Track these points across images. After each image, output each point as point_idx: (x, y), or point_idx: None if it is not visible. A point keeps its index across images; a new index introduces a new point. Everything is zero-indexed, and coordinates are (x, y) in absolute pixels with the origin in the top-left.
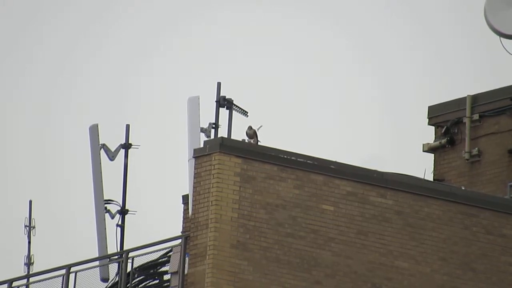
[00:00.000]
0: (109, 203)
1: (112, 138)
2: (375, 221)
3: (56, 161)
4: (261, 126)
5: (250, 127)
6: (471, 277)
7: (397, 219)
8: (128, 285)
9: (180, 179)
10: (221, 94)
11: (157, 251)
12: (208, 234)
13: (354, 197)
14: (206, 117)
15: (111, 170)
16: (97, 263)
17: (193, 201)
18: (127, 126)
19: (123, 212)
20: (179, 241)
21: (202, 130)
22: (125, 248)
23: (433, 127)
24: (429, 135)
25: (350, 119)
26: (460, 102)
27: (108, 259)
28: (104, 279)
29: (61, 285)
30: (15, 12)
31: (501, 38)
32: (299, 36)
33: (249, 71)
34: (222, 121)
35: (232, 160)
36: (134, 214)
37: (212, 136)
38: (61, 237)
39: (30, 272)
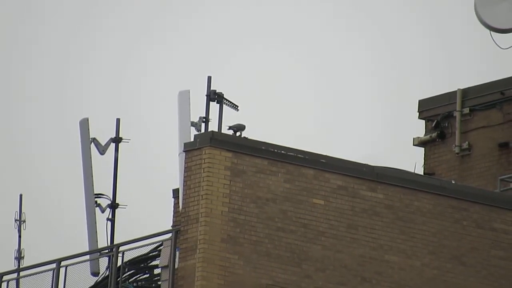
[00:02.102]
0: (100, 197)
1: (102, 132)
2: (366, 215)
3: (47, 155)
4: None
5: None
6: (461, 271)
7: (387, 213)
8: (118, 279)
9: (171, 173)
10: (212, 88)
11: (147, 245)
12: (199, 228)
13: (345, 191)
14: (197, 111)
15: (102, 164)
16: (87, 257)
17: (183, 195)
18: (118, 120)
19: (113, 206)
20: (170, 235)
21: (193, 124)
22: (115, 242)
23: (423, 121)
24: (419, 129)
25: (341, 113)
26: (450, 96)
27: (99, 253)
28: (95, 273)
29: (51, 279)
30: (7, 9)
31: (491, 32)
32: (291, 31)
33: (240, 65)
34: (213, 115)
35: (222, 154)
36: (125, 208)
37: (203, 130)
38: (52, 231)
39: (21, 266)
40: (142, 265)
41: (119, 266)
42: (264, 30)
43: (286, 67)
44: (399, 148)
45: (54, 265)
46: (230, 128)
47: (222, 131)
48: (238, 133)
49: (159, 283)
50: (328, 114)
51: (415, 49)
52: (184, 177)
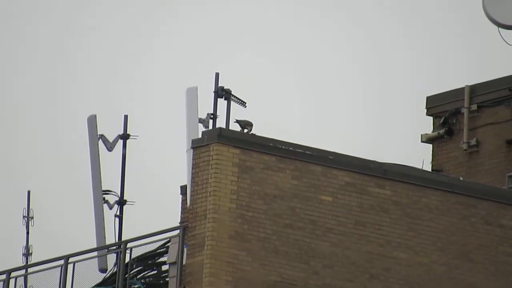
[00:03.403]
0: (108, 194)
1: (110, 129)
2: (373, 211)
3: (55, 152)
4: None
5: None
6: (469, 267)
7: (395, 209)
8: (126, 276)
9: (179, 169)
10: (219, 85)
11: (155, 241)
12: (207, 224)
13: (353, 187)
14: (204, 108)
15: (109, 160)
16: (95, 253)
17: (191, 191)
18: (125, 117)
19: (121, 202)
20: (178, 231)
21: (200, 120)
22: (123, 238)
23: (431, 118)
24: (427, 125)
25: (349, 110)
26: (458, 92)
27: (107, 250)
28: (103, 270)
29: (59, 276)
30: (15, 6)
31: (500, 29)
32: (297, 28)
33: (248, 62)
34: (220, 111)
35: (230, 151)
36: (132, 204)
37: (210, 127)
38: (60, 228)
39: (29, 263)
40: (150, 261)
41: (127, 263)
42: (271, 27)
43: (293, 63)
44: (407, 144)
45: (62, 262)
46: (237, 121)
47: (230, 128)
48: (245, 130)
49: (167, 279)
50: (335, 110)
51: (423, 45)
52: (192, 173)
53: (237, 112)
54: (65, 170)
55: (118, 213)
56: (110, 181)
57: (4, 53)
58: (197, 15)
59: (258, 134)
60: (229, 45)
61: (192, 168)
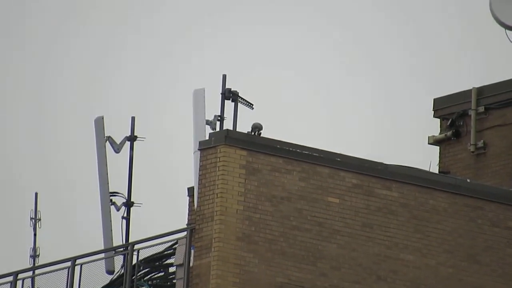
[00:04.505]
0: (115, 196)
1: (117, 131)
2: (381, 213)
3: (62, 154)
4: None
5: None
6: (476, 269)
7: (402, 211)
8: (133, 278)
9: (186, 171)
10: (227, 87)
11: (162, 243)
12: (214, 226)
13: (360, 189)
14: (212, 110)
15: (117, 162)
16: (102, 255)
17: (198, 193)
18: (133, 119)
19: (128, 204)
20: (185, 233)
21: (208, 122)
22: (130, 240)
23: (438, 120)
24: (434, 127)
25: (356, 112)
26: (465, 94)
27: (114, 252)
28: (110, 271)
29: (66, 277)
30: (19, 6)
31: (507, 31)
32: (303, 31)
33: (255, 63)
34: (228, 113)
35: (237, 153)
36: (140, 206)
37: (218, 129)
38: (67, 230)
39: (36, 265)
40: (157, 263)
41: (134, 264)
42: (278, 29)
43: (300, 66)
44: (414, 146)
45: (69, 263)
46: (252, 131)
47: (237, 130)
48: (253, 133)
49: (174, 281)
50: (342, 112)
51: (430, 46)
52: (199, 175)
53: (244, 114)
54: (72, 172)
55: (125, 215)
56: (117, 183)
57: (11, 52)
58: (204, 16)
59: (265, 136)
60: (237, 47)
61: (199, 170)
